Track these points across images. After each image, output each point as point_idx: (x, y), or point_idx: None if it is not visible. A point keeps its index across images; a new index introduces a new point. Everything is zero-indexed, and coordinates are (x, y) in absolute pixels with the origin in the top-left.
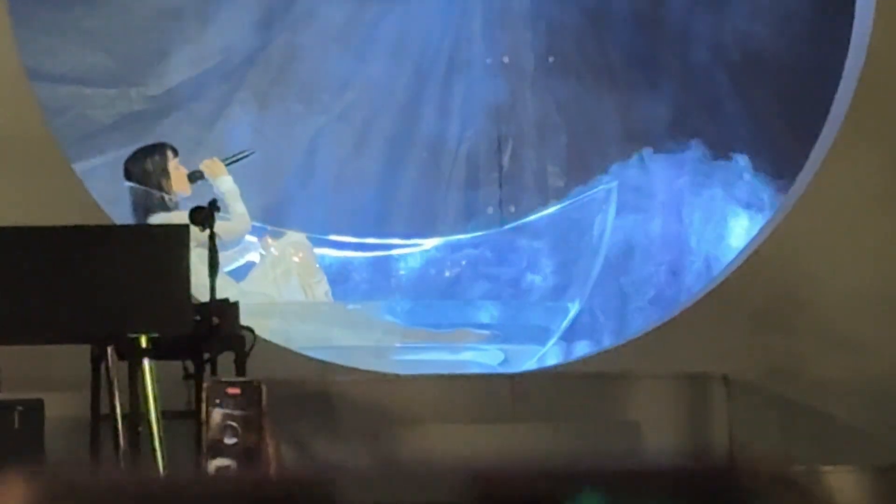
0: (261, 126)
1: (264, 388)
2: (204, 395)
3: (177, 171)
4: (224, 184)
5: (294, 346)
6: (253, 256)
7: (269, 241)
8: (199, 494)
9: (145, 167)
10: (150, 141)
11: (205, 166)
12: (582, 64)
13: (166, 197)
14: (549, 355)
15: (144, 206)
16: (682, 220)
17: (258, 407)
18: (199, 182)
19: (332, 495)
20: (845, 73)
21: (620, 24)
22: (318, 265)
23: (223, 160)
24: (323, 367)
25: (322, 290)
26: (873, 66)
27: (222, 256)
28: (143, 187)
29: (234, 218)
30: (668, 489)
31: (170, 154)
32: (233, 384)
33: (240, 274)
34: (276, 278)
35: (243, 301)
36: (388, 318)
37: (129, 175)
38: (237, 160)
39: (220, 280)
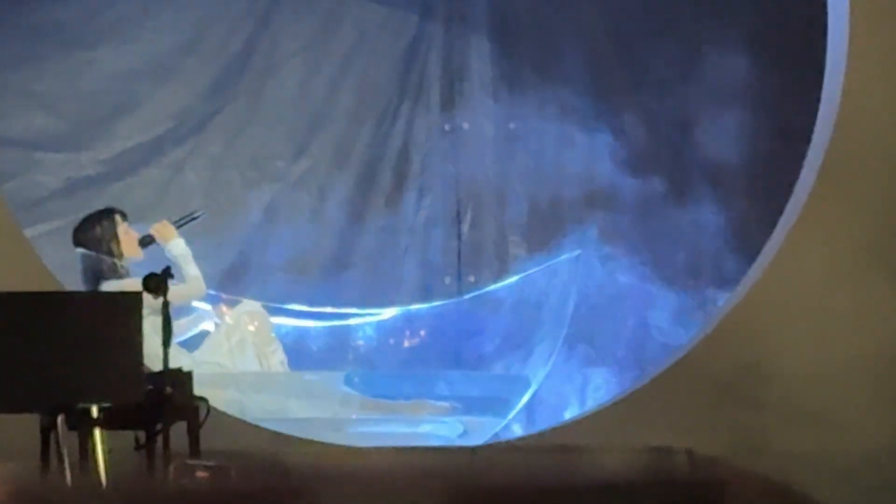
0: (214, 192)
1: (233, 472)
2: (170, 476)
3: (127, 235)
4: (176, 247)
5: (249, 417)
6: (207, 325)
7: (224, 309)
8: None
9: (95, 234)
10: (100, 206)
11: (155, 230)
12: (544, 130)
13: (118, 263)
14: (509, 428)
15: (95, 273)
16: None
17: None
18: (151, 246)
19: None
20: (812, 144)
21: (585, 89)
22: (273, 334)
23: (174, 223)
24: (278, 438)
25: (278, 359)
26: (842, 133)
27: (176, 325)
28: (93, 254)
29: (188, 281)
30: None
31: (118, 219)
32: (203, 467)
33: (194, 343)
34: (230, 348)
35: (197, 371)
36: (346, 389)
37: (78, 242)
38: (187, 222)
39: (173, 350)
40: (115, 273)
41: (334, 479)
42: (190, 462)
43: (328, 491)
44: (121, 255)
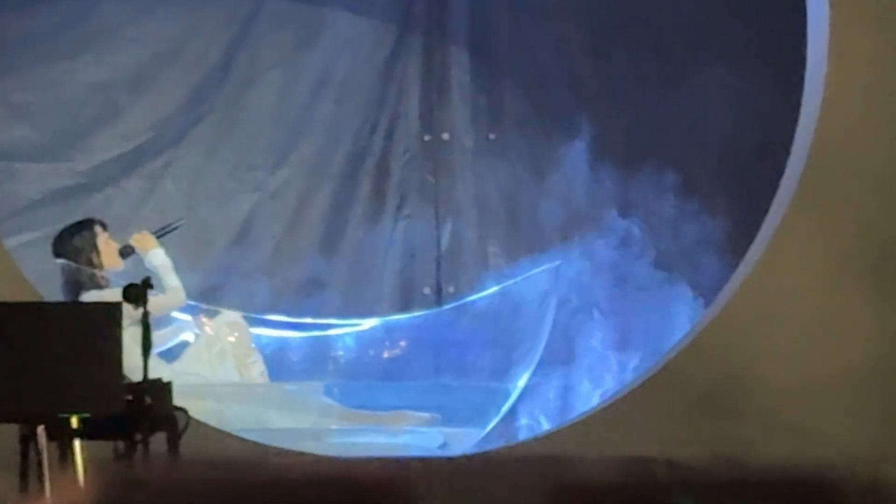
0: (194, 203)
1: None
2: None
3: (107, 245)
4: (156, 257)
5: (229, 428)
6: (187, 336)
7: (204, 320)
8: None
9: (74, 244)
10: (80, 217)
11: (135, 240)
12: (524, 141)
13: (98, 273)
14: (489, 438)
15: (75, 283)
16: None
17: None
18: (132, 256)
19: None
20: (792, 155)
21: (564, 100)
22: (253, 345)
23: (153, 233)
24: (258, 448)
25: (257, 370)
26: (821, 146)
27: (155, 336)
28: (73, 265)
29: (168, 292)
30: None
31: (98, 229)
32: None
33: (173, 354)
34: (210, 358)
35: (177, 382)
36: (326, 400)
37: (58, 253)
38: (168, 232)
39: (152, 361)
40: (96, 284)
41: (315, 490)
42: None
43: (309, 501)
44: (101, 266)
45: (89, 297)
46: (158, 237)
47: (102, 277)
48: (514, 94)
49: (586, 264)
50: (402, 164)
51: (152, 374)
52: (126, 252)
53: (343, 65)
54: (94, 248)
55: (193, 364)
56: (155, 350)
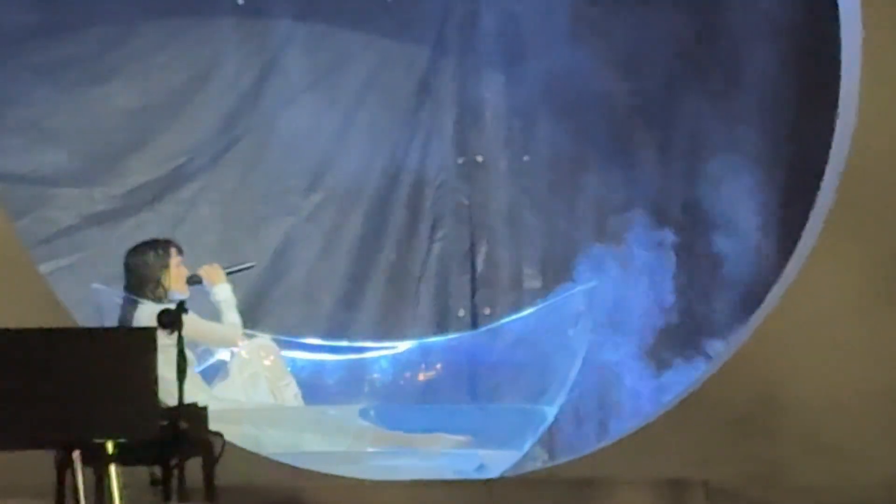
0: (228, 227)
1: None
2: None
3: (177, 269)
4: (221, 292)
5: (264, 452)
6: (223, 355)
7: (239, 342)
8: None
9: (147, 258)
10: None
11: (204, 272)
12: (557, 162)
13: (161, 292)
14: (526, 460)
15: (137, 294)
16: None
17: None
18: (197, 286)
19: None
20: (827, 172)
21: (596, 122)
22: (287, 368)
23: (224, 268)
24: (294, 472)
25: (291, 392)
26: (856, 166)
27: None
28: (140, 276)
29: (226, 327)
30: None
31: (173, 251)
32: None
33: (206, 377)
34: (243, 382)
35: (210, 406)
36: (362, 423)
37: (128, 263)
38: (237, 271)
39: (191, 385)
40: (156, 298)
41: None
42: None
43: None
44: (167, 287)
45: (145, 308)
46: (228, 273)
47: (164, 298)
48: (547, 116)
49: (620, 284)
50: (436, 186)
51: (190, 399)
52: (193, 280)
53: (376, 88)
54: (166, 267)
55: (227, 388)
56: (196, 368)
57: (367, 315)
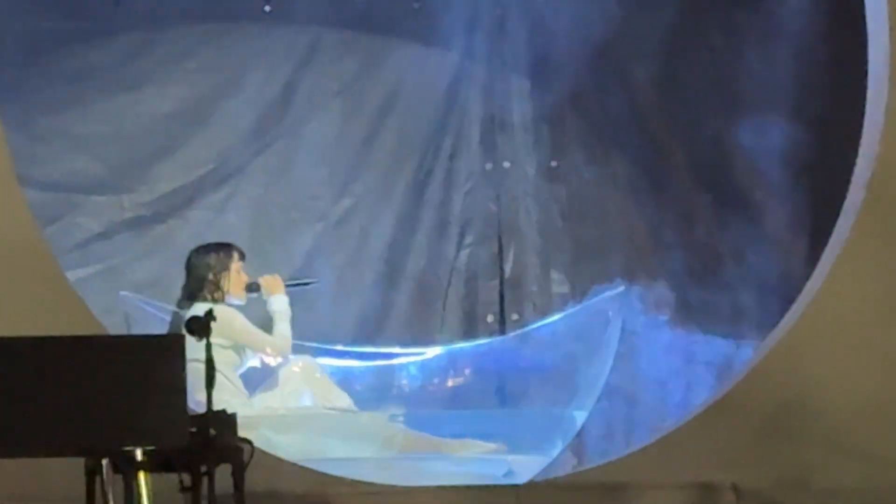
0: (257, 233)
1: None
2: None
3: (238, 274)
4: (278, 303)
5: (293, 458)
6: (254, 362)
7: (269, 350)
8: None
9: (210, 260)
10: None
11: (265, 281)
12: (585, 168)
13: (219, 294)
14: (555, 465)
15: (195, 292)
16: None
17: None
18: (256, 294)
19: None
20: (853, 182)
21: (625, 127)
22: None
23: (286, 281)
24: (323, 479)
25: (345, 403)
26: (882, 174)
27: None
28: (200, 277)
29: (276, 338)
30: None
31: (236, 256)
32: None
33: (255, 379)
34: (288, 394)
35: (245, 413)
36: (390, 428)
37: (190, 262)
38: (298, 285)
39: (226, 390)
40: (214, 300)
41: None
42: None
43: None
44: (225, 290)
45: (199, 308)
46: (288, 286)
47: (221, 300)
48: (575, 122)
49: (648, 290)
50: (464, 192)
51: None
52: (252, 288)
53: (404, 94)
54: (226, 270)
55: (271, 398)
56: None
57: (396, 321)
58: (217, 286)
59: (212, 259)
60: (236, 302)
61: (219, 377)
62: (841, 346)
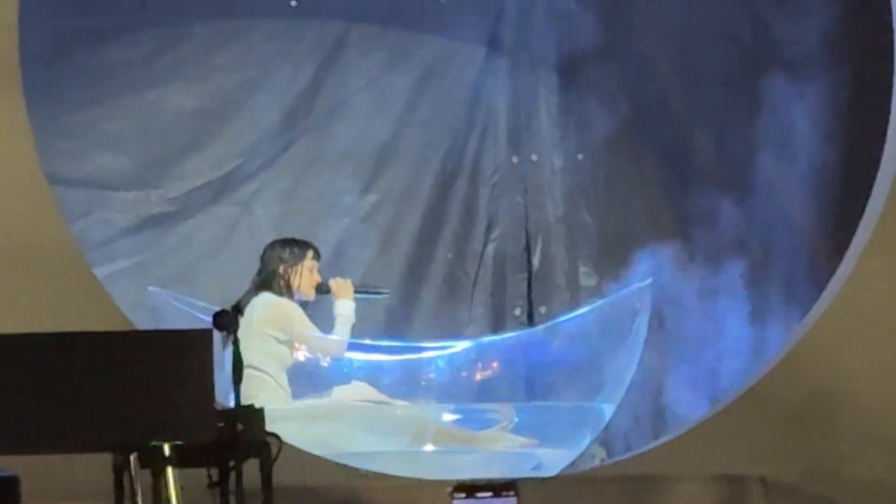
0: (284, 228)
1: None
2: None
3: (310, 273)
4: (344, 307)
5: (321, 452)
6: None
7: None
8: None
9: (284, 254)
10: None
11: (335, 283)
12: (612, 160)
13: (287, 290)
14: (583, 458)
15: (264, 283)
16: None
17: None
18: (325, 295)
19: None
20: (881, 169)
21: (652, 120)
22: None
23: (357, 287)
24: (351, 473)
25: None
26: None
27: None
28: (270, 269)
29: (331, 340)
30: None
31: (310, 254)
32: None
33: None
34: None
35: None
36: (419, 422)
37: (265, 254)
38: (367, 293)
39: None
40: (283, 294)
41: None
42: None
43: None
44: (295, 286)
45: (262, 298)
46: (357, 293)
47: (289, 294)
48: (601, 115)
49: (675, 281)
50: (491, 185)
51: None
52: (322, 289)
53: (431, 87)
54: (299, 266)
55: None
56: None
57: (424, 315)
58: (287, 281)
59: (285, 253)
60: (304, 298)
61: (262, 376)
62: (871, 336)
